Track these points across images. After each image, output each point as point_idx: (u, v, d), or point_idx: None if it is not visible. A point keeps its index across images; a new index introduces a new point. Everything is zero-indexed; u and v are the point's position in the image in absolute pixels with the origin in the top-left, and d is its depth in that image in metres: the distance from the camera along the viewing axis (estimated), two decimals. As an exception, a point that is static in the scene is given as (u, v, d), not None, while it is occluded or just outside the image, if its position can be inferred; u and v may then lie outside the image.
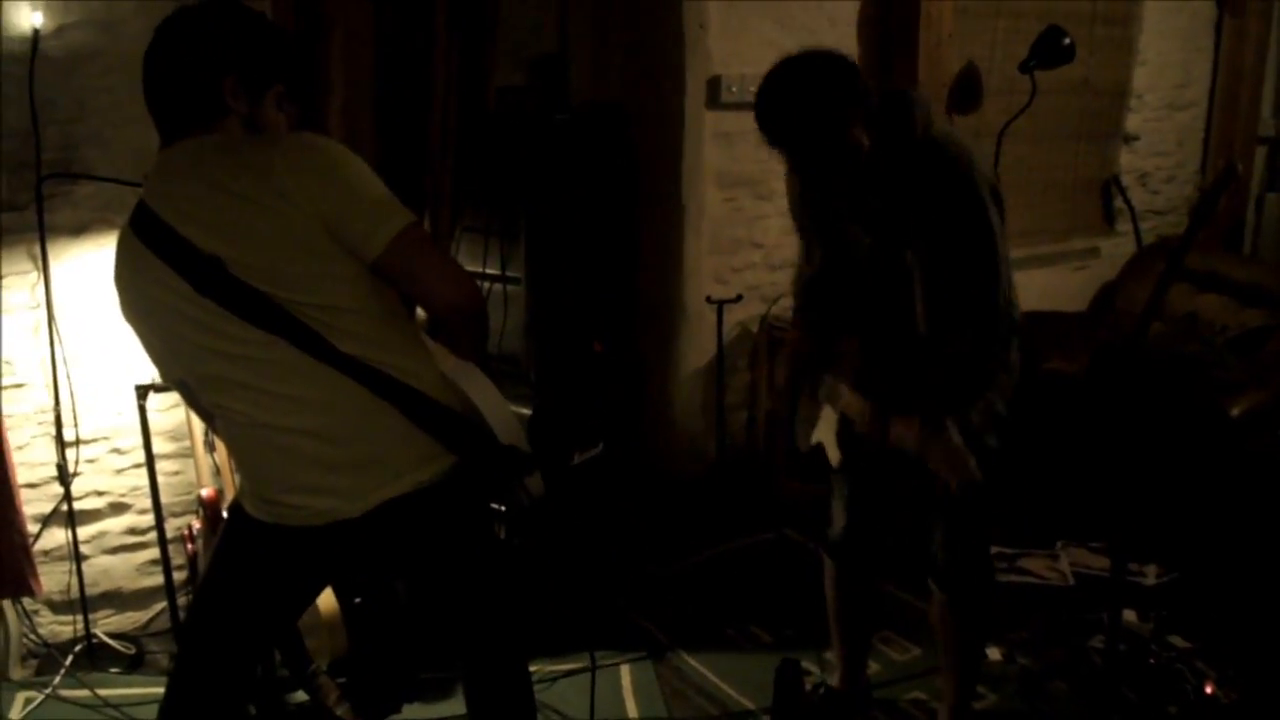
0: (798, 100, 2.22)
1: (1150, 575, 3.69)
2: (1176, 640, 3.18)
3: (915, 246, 2.29)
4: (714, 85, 3.96)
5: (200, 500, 3.04)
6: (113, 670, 3.14)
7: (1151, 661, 3.06)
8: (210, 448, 3.12)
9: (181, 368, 1.91)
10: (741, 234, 4.18)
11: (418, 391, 1.85)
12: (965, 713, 2.78)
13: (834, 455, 2.61)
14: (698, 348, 4.12)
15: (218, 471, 3.10)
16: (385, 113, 3.22)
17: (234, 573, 2.00)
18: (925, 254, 2.29)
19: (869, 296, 2.43)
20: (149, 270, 1.79)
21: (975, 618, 2.68)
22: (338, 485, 1.85)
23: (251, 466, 1.94)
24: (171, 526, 3.25)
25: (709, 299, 3.97)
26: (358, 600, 3.01)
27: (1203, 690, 2.92)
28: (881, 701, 3.03)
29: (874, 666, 3.12)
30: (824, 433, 2.64)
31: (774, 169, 4.16)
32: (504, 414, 1.94)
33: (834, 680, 2.97)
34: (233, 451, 1.98)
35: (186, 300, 1.77)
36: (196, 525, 3.11)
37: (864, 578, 2.83)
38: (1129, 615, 3.29)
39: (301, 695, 2.95)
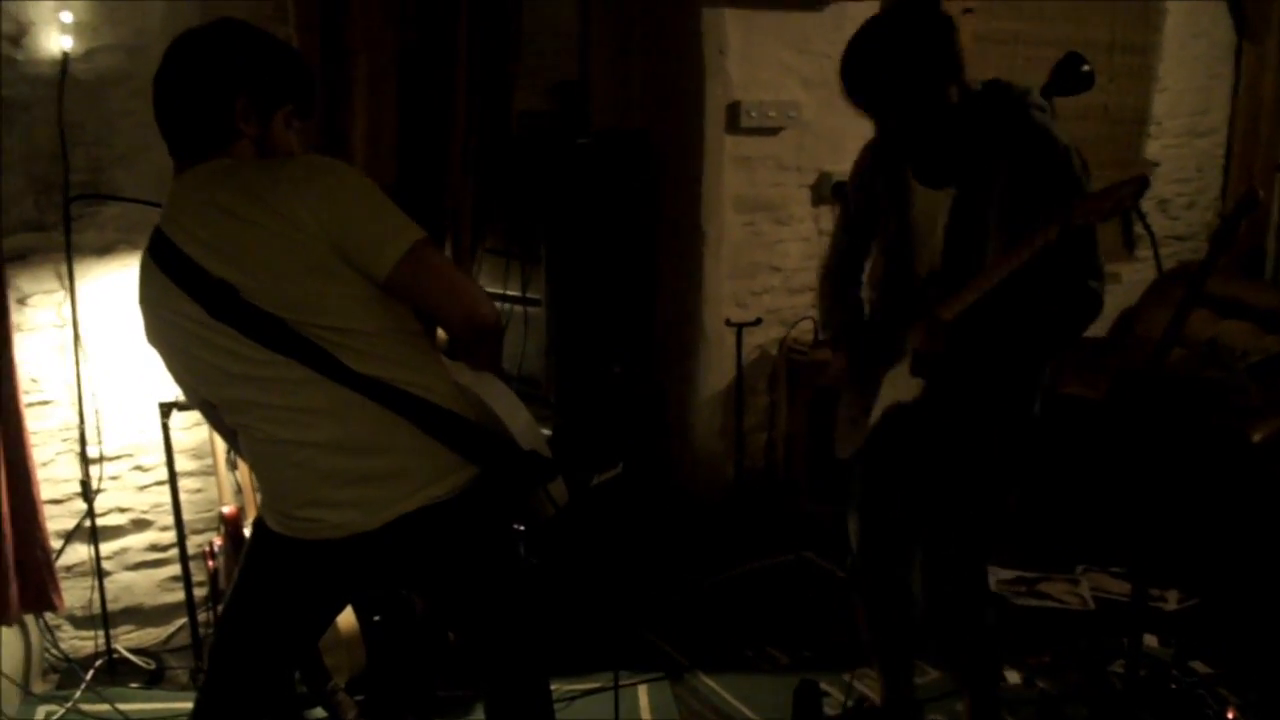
0: (894, 49, 2.23)
1: (1171, 600, 3.67)
2: (1198, 666, 3.16)
3: (1010, 215, 2.29)
4: (733, 110, 3.99)
5: (222, 517, 3.07)
6: (133, 685, 3.16)
7: (1173, 687, 3.04)
8: (232, 466, 3.15)
9: (203, 389, 1.93)
10: (760, 258, 4.20)
11: (434, 405, 1.87)
12: None
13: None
14: (717, 370, 4.13)
15: (239, 489, 3.13)
16: (408, 136, 3.25)
17: (258, 587, 2.02)
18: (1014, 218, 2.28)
19: (948, 253, 2.40)
20: (166, 295, 1.82)
21: (974, 650, 2.64)
22: (355, 499, 1.87)
23: (272, 482, 1.96)
24: (193, 543, 3.27)
25: (728, 322, 3.98)
26: (376, 618, 3.02)
27: (1224, 716, 2.89)
28: None
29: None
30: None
31: (792, 194, 4.22)
32: (525, 421, 1.96)
33: (876, 697, 2.94)
34: (254, 467, 2.01)
35: (202, 325, 1.79)
36: (218, 542, 3.13)
37: (891, 601, 2.74)
38: (1150, 640, 3.27)
39: (320, 712, 2.96)
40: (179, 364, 1.93)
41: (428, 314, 1.91)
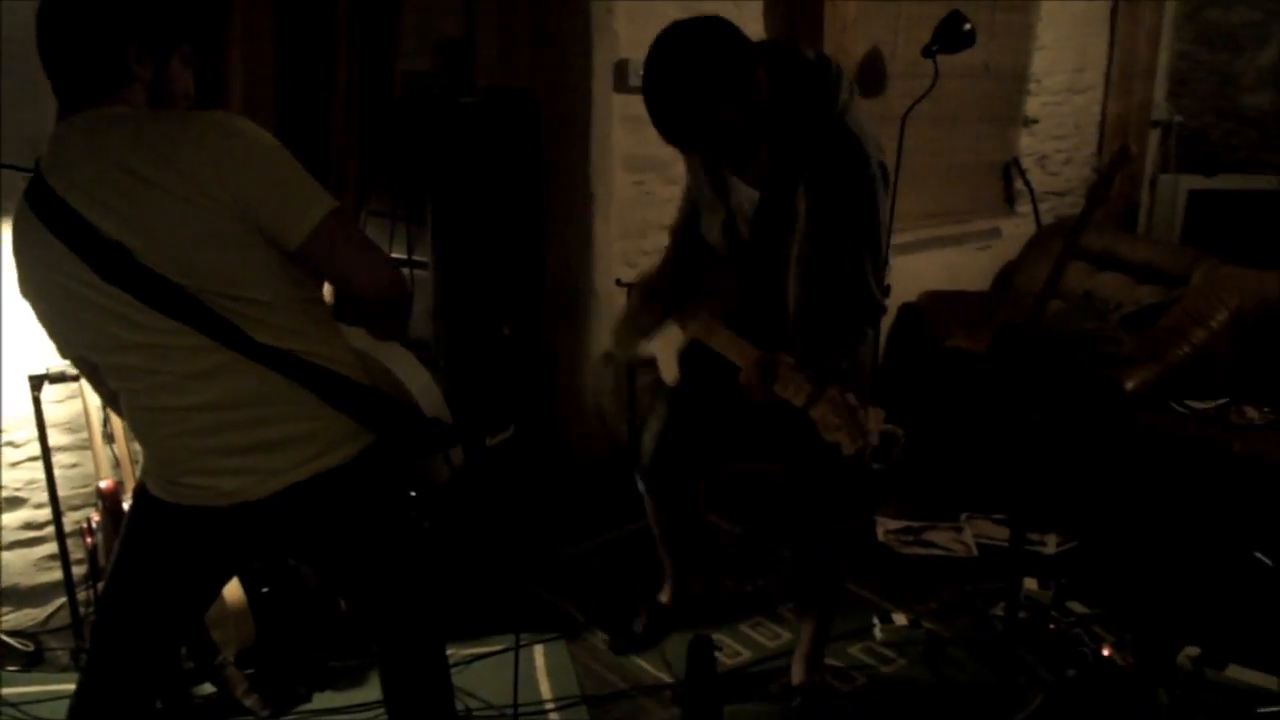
0: (700, 83, 2.23)
1: (1050, 544, 3.80)
2: (1076, 606, 3.28)
3: (806, 217, 2.35)
4: (621, 69, 3.96)
5: (99, 492, 2.97)
6: (10, 668, 3.05)
7: (1051, 627, 3.15)
8: (109, 439, 3.05)
9: (87, 352, 1.85)
10: (650, 217, 4.19)
11: (335, 374, 1.83)
12: (820, 655, 2.93)
13: (671, 373, 2.60)
14: (608, 330, 4.12)
15: (117, 463, 3.03)
16: (287, 96, 3.16)
17: (141, 558, 1.96)
18: (814, 230, 2.34)
19: (755, 255, 2.49)
20: (48, 252, 1.71)
21: (829, 573, 2.87)
22: (246, 467, 1.82)
23: (158, 449, 1.88)
24: (70, 520, 3.17)
25: (618, 282, 3.96)
26: (265, 590, 2.97)
27: (1100, 654, 3.01)
28: (753, 686, 3.05)
29: (745, 653, 3.18)
30: (662, 347, 2.63)
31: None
32: (425, 384, 1.95)
33: (665, 597, 3.20)
34: (137, 432, 1.93)
35: (90, 287, 1.70)
36: (95, 518, 3.03)
37: (679, 499, 3.04)
38: (1031, 583, 3.39)
39: (209, 687, 2.91)
40: (59, 321, 1.84)
41: (334, 284, 1.85)
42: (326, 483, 1.85)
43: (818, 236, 2.34)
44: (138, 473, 2.69)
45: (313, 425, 1.83)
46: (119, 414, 2.02)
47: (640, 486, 3.02)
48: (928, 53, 4.18)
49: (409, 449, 1.96)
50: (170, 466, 1.87)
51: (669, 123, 2.30)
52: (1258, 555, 3.24)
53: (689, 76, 2.23)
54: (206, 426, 1.80)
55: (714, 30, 2.26)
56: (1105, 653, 3.01)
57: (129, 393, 1.84)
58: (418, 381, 1.94)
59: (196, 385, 1.77)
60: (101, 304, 1.72)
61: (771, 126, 2.34)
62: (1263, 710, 2.74)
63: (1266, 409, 3.90)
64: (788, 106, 2.33)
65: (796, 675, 2.92)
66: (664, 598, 3.24)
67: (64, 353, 1.94)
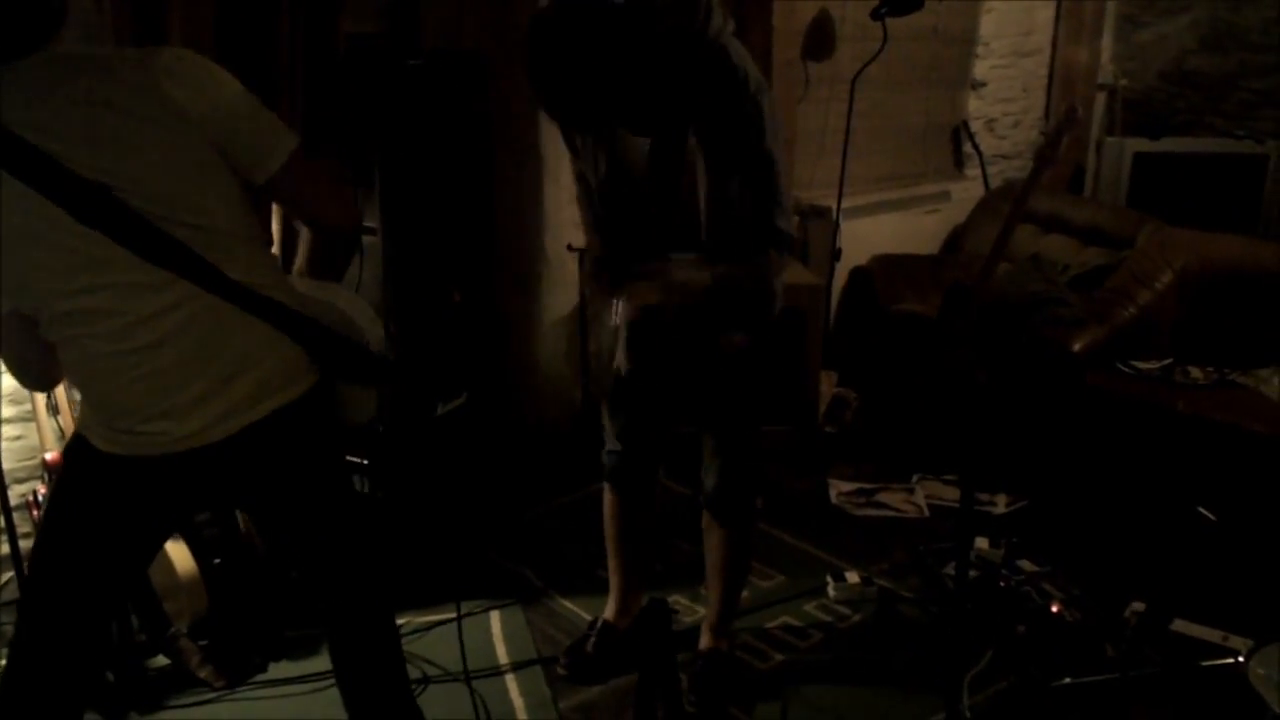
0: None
1: (1000, 504, 3.86)
2: (1025, 564, 3.33)
3: (702, 149, 2.30)
4: (570, 31, 3.91)
5: (45, 465, 2.92)
6: (-44, 644, 3.01)
7: (1001, 585, 3.20)
8: (54, 411, 2.99)
9: (33, 297, 1.77)
10: (602, 181, 4.17)
11: (293, 310, 1.83)
12: (728, 624, 2.97)
13: (623, 359, 2.61)
14: (560, 295, 4.11)
15: (62, 435, 2.98)
16: (228, 57, 3.09)
17: (77, 514, 1.90)
18: (706, 160, 2.30)
19: (653, 199, 2.41)
20: (14, 198, 1.65)
21: (742, 542, 2.87)
22: (205, 409, 1.79)
23: (107, 397, 1.82)
24: (15, 494, 3.10)
25: (570, 247, 3.96)
26: (217, 560, 2.94)
27: (1049, 610, 3.06)
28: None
29: (700, 612, 3.18)
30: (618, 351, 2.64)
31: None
32: (373, 319, 1.99)
33: (610, 614, 3.06)
34: (83, 382, 1.87)
35: (57, 227, 1.65)
36: (41, 491, 2.99)
37: (643, 503, 2.96)
38: (982, 543, 3.43)
39: (162, 659, 2.88)
40: (6, 271, 1.75)
41: (298, 217, 1.93)
42: (277, 421, 1.84)
43: (715, 168, 2.28)
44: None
45: (272, 360, 1.83)
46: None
47: (607, 487, 2.96)
48: (876, 15, 4.19)
49: (358, 378, 1.97)
50: (124, 415, 1.81)
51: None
52: (1201, 510, 3.30)
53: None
54: (168, 369, 1.77)
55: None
56: (1054, 609, 3.06)
57: (86, 339, 1.77)
58: (365, 314, 1.99)
59: (160, 325, 1.74)
60: (70, 245, 1.68)
61: (658, 66, 2.21)
62: (1206, 663, 2.79)
63: (1209, 369, 3.97)
64: (665, 37, 2.19)
65: (704, 641, 2.95)
66: (610, 616, 3.05)
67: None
